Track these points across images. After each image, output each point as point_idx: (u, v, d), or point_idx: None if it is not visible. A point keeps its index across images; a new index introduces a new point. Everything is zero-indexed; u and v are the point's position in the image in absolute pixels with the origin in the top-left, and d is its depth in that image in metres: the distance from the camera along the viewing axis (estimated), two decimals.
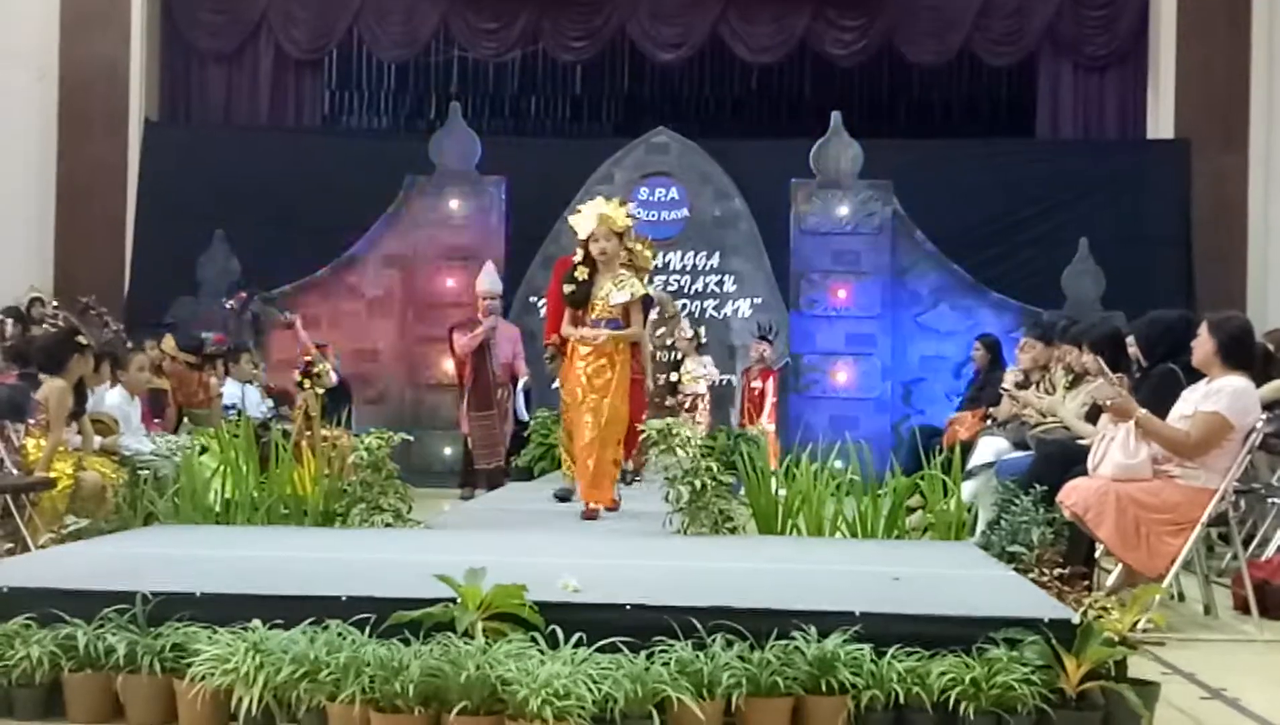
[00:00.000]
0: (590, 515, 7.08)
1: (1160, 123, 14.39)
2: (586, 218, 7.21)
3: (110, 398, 8.45)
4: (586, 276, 7.19)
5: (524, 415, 10.78)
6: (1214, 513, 6.00)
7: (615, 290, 7.13)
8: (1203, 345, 6.09)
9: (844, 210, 13.64)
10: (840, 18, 14.92)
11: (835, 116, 13.83)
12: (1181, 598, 6.74)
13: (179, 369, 9.67)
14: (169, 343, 9.92)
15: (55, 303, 12.40)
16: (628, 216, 7.25)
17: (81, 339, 7.77)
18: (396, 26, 15.34)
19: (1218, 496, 5.95)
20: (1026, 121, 15.25)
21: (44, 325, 11.79)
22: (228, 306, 13.32)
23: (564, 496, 7.94)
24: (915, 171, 13.75)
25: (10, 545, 6.59)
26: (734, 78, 15.86)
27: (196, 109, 15.59)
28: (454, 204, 13.96)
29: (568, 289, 7.25)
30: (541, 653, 3.85)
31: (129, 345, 9.68)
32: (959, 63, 15.15)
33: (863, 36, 14.88)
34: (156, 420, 9.13)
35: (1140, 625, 4.40)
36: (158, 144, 14.68)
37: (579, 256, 7.26)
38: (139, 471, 7.40)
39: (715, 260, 13.83)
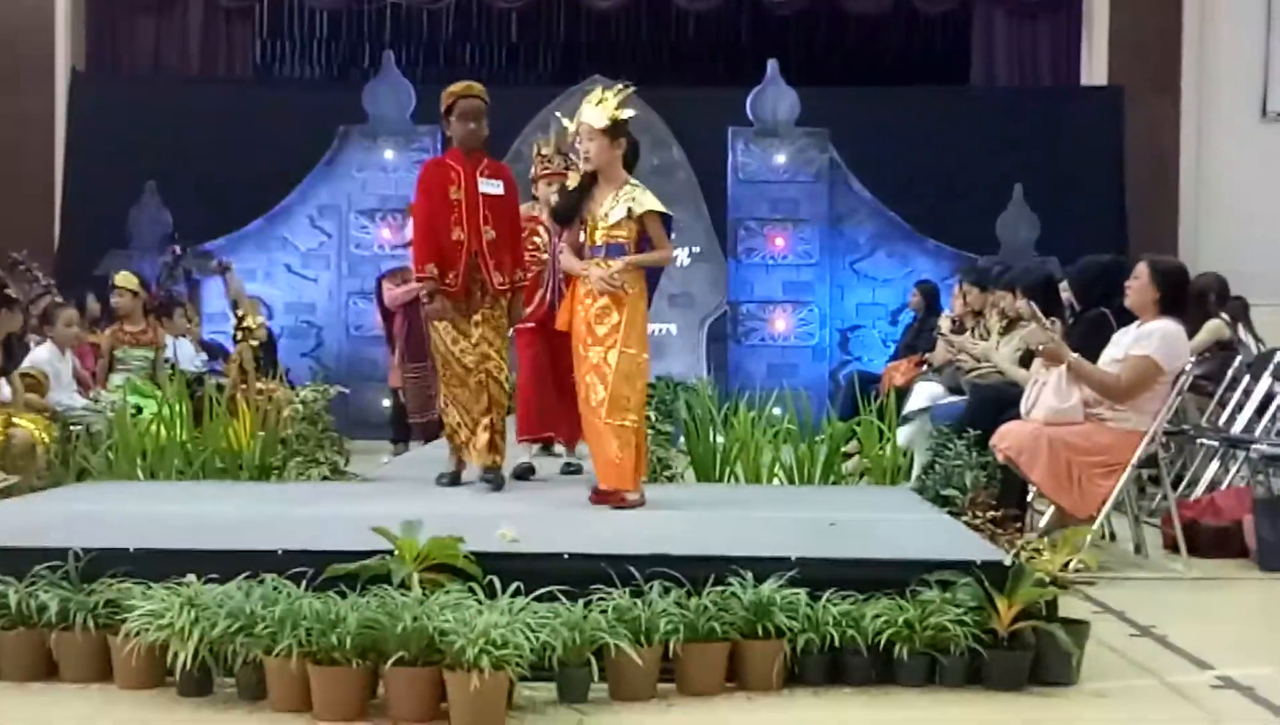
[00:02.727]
0: (602, 498, 5.54)
1: (1094, 70, 14.46)
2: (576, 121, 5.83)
3: (40, 353, 8.33)
4: (579, 186, 5.78)
5: None
6: (1144, 454, 6.10)
7: (615, 206, 5.63)
8: (1142, 289, 6.15)
9: (781, 158, 13.64)
10: None
11: (772, 65, 13.80)
12: (1113, 538, 6.86)
13: (129, 303, 9.38)
14: (126, 277, 9.62)
15: None
16: (615, 111, 5.66)
17: (10, 293, 7.65)
18: None
19: (1148, 438, 6.05)
20: (962, 70, 15.28)
21: None
22: (164, 260, 13.14)
23: (449, 482, 6.22)
24: (852, 120, 13.74)
25: None
26: (671, 26, 15.76)
27: (125, 59, 15.26)
28: (388, 154, 13.83)
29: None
30: (479, 603, 3.85)
31: (59, 300, 9.51)
32: (895, 11, 15.11)
33: None
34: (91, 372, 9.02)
35: (1072, 566, 4.45)
36: (85, 95, 14.38)
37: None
38: (71, 428, 7.33)
39: None
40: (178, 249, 13.24)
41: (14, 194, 14.08)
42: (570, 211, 5.74)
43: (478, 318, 6.01)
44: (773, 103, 13.70)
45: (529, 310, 6.55)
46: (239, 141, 13.60)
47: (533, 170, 7.14)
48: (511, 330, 6.32)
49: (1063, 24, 14.92)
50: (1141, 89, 13.96)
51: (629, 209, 5.59)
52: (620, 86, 5.74)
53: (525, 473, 6.56)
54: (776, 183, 13.64)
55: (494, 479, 6.04)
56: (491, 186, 6.07)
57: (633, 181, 5.69)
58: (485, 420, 5.98)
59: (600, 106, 5.63)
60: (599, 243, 5.62)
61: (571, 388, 5.86)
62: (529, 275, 6.48)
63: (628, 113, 5.70)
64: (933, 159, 13.82)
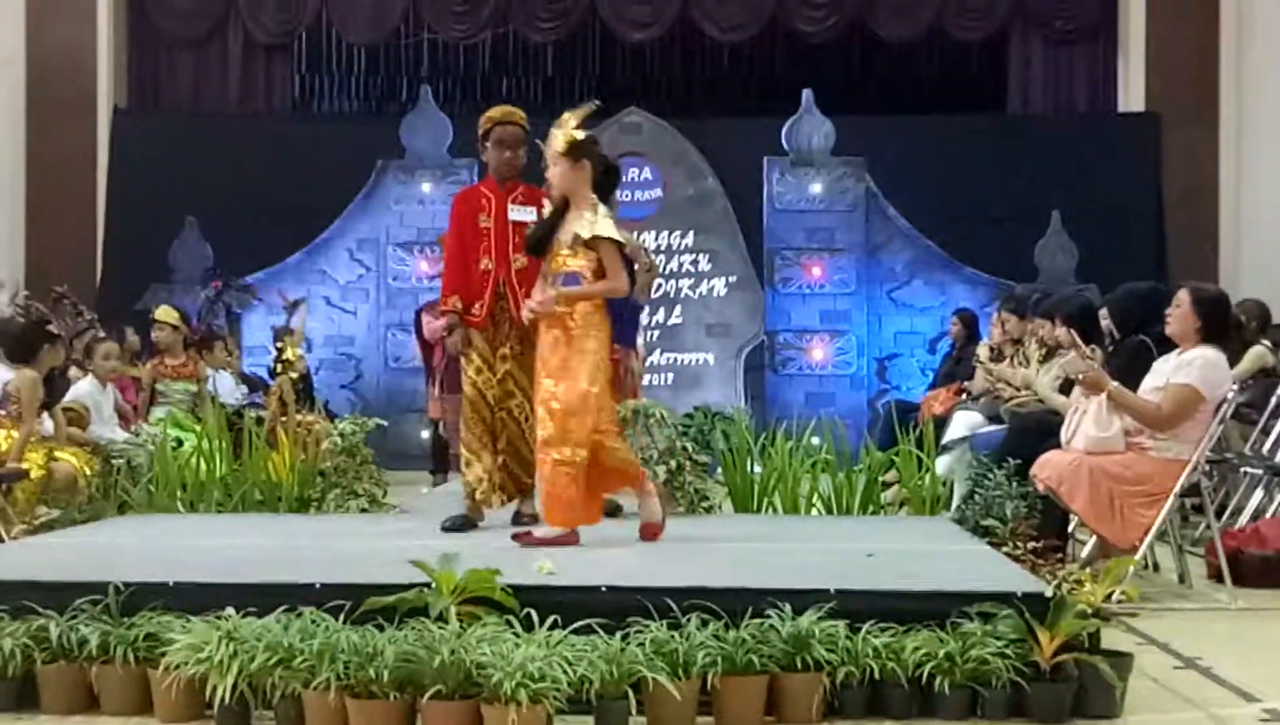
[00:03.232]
0: (521, 537, 5.38)
1: (1131, 96, 14.39)
2: None
3: (81, 387, 8.41)
4: (552, 213, 5.58)
5: None
6: (1187, 483, 6.03)
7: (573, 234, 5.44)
8: (1183, 317, 6.10)
9: (817, 187, 13.63)
10: None
11: (806, 94, 13.82)
12: (1156, 568, 6.78)
13: (170, 337, 9.44)
14: (167, 311, 9.68)
15: (26, 292, 12.30)
16: (572, 132, 5.42)
17: (52, 329, 7.73)
18: (366, 9, 15.21)
19: (1190, 467, 5.98)
20: (998, 96, 15.23)
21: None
22: (205, 294, 13.26)
23: (453, 525, 5.90)
24: (888, 148, 13.74)
25: None
26: (705, 56, 15.78)
27: (166, 95, 15.44)
28: (426, 187, 13.91)
29: (529, 230, 5.75)
30: (516, 636, 3.85)
31: (100, 334, 9.60)
32: (930, 39, 15.11)
33: (833, 13, 14.82)
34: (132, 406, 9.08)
35: (1114, 597, 4.41)
36: (127, 131, 14.56)
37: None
38: (112, 461, 7.38)
39: (690, 239, 13.79)
40: (220, 283, 13.35)
41: (58, 229, 14.26)
42: (540, 241, 5.50)
43: (505, 352, 5.83)
44: (808, 132, 13.71)
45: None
46: (278, 175, 13.73)
47: None
48: None
49: (1099, 50, 14.88)
50: (1179, 114, 13.89)
51: (576, 234, 5.36)
52: (585, 107, 5.55)
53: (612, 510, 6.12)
54: (813, 212, 13.63)
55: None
56: (523, 213, 5.85)
57: (596, 206, 5.43)
58: (499, 459, 5.83)
59: (559, 129, 5.43)
60: (556, 271, 5.43)
61: None
62: None
63: (583, 134, 5.45)
64: (970, 186, 13.79)
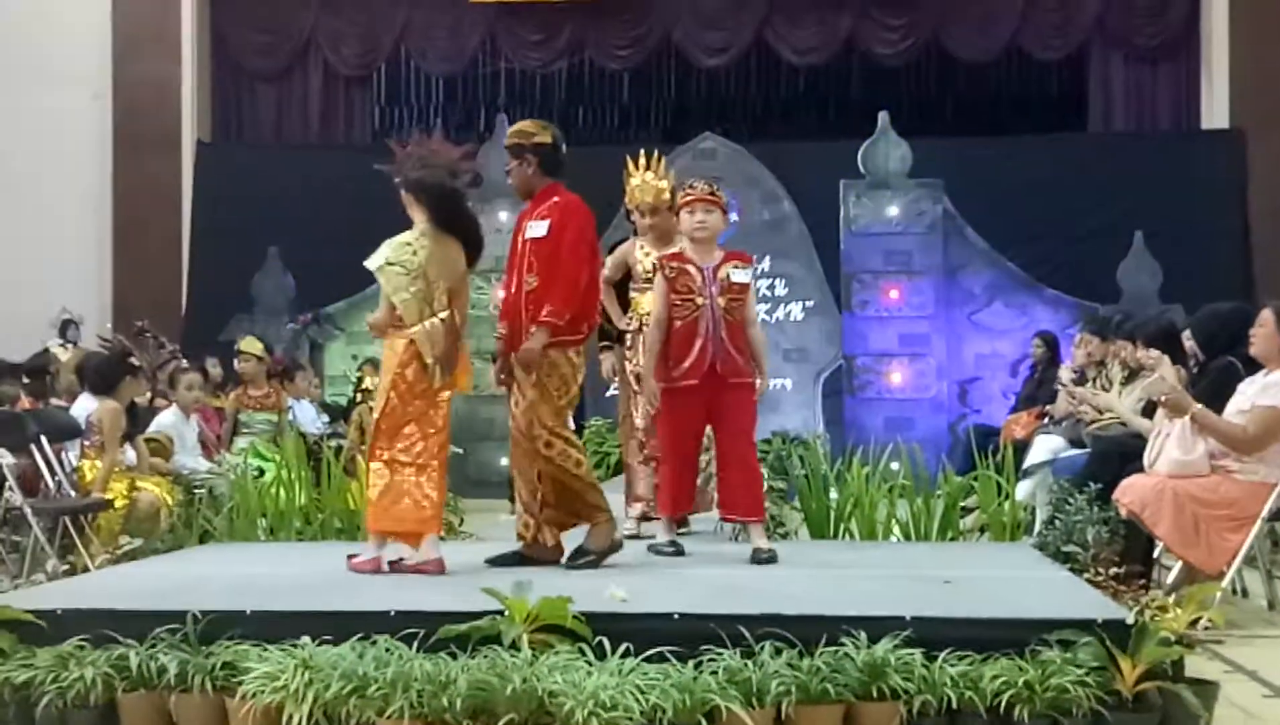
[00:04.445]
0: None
1: (1214, 113, 14.19)
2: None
3: (165, 418, 8.54)
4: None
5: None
6: (1275, 507, 5.89)
7: None
8: (1267, 337, 5.98)
9: (894, 210, 13.53)
10: (885, 16, 14.84)
11: (883, 116, 13.74)
12: (1245, 594, 6.63)
13: (254, 368, 9.55)
14: (251, 342, 9.80)
15: (109, 324, 12.55)
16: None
17: (133, 361, 7.86)
18: (443, 40, 15.42)
19: (1278, 490, 5.85)
20: (1078, 115, 15.09)
21: (77, 345, 11.95)
22: (292, 327, 13.44)
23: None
24: (965, 169, 13.63)
25: (67, 567, 6.67)
26: (780, 80, 15.79)
27: (248, 128, 15.75)
28: (503, 216, 13.96)
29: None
30: (589, 664, 3.84)
31: (183, 365, 9.75)
32: (1007, 57, 15.01)
33: (909, 35, 14.79)
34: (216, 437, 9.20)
35: (1199, 624, 4.32)
36: (211, 164, 14.83)
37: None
38: (194, 490, 7.48)
39: (766, 264, 13.75)
40: (308, 317, 13.53)
41: (144, 262, 14.56)
42: None
43: (534, 378, 5.41)
44: (884, 154, 13.62)
45: (685, 365, 5.66)
46: (358, 206, 13.84)
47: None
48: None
49: (1181, 66, 14.71)
50: (1263, 130, 13.66)
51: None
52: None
53: (675, 552, 5.80)
54: (890, 235, 13.52)
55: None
56: (536, 229, 5.53)
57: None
58: (539, 495, 5.50)
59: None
60: None
61: (738, 455, 5.68)
62: (630, 326, 6.51)
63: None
64: (1050, 206, 13.65)
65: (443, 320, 5.47)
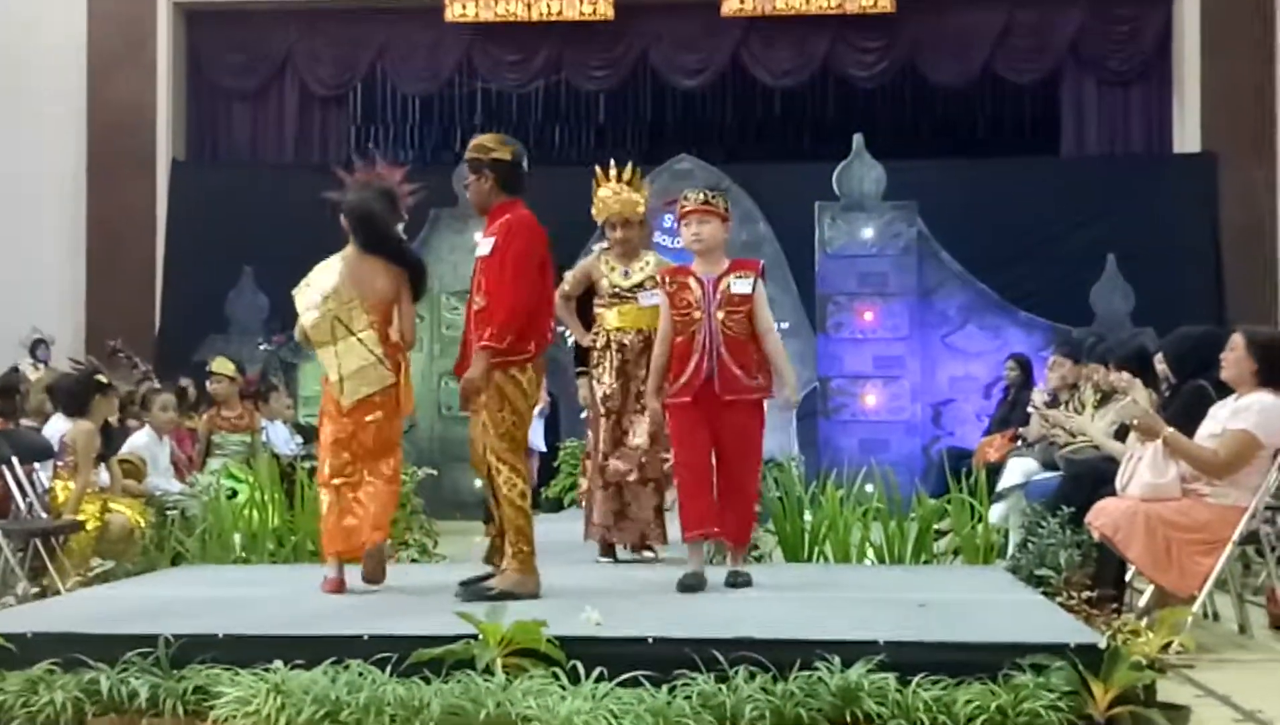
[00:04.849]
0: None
1: (1186, 137, 14.30)
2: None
3: (138, 439, 8.49)
4: None
5: (541, 446, 10.76)
6: (1245, 531, 5.92)
7: None
8: (1238, 361, 6.01)
9: (869, 232, 13.58)
10: (861, 40, 14.90)
11: (857, 139, 13.78)
12: (1216, 617, 6.66)
13: (226, 389, 9.51)
14: (223, 363, 9.76)
15: (83, 343, 12.51)
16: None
17: (102, 378, 7.82)
18: (419, 60, 15.43)
19: (1249, 514, 5.87)
20: (1051, 139, 15.18)
21: (48, 364, 11.90)
22: (266, 347, 13.38)
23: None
24: (940, 191, 13.68)
25: (38, 589, 6.61)
26: (756, 102, 15.84)
27: (223, 148, 15.72)
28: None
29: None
30: (563, 688, 3.84)
31: (156, 386, 9.70)
32: (981, 81, 15.09)
33: (884, 58, 14.85)
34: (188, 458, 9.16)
35: (1171, 648, 4.34)
36: (185, 183, 14.79)
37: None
38: (166, 512, 7.44)
39: None
40: (283, 338, 13.47)
41: (118, 281, 14.50)
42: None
43: (483, 400, 5.35)
44: (859, 176, 13.66)
45: (680, 382, 5.59)
46: (333, 227, 13.78)
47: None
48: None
49: (1153, 91, 14.81)
50: (1235, 155, 13.78)
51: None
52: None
53: (693, 585, 5.45)
54: (865, 257, 13.55)
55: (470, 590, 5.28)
56: (484, 246, 5.53)
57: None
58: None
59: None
60: None
61: (733, 478, 5.56)
62: (597, 343, 6.51)
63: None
64: (1024, 230, 13.72)
65: (360, 340, 5.45)
